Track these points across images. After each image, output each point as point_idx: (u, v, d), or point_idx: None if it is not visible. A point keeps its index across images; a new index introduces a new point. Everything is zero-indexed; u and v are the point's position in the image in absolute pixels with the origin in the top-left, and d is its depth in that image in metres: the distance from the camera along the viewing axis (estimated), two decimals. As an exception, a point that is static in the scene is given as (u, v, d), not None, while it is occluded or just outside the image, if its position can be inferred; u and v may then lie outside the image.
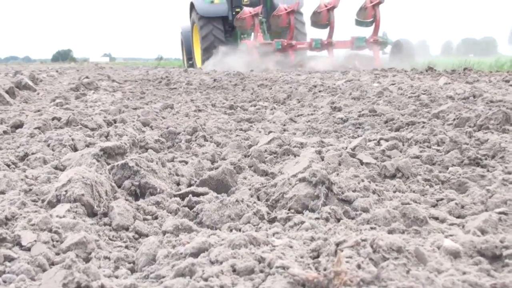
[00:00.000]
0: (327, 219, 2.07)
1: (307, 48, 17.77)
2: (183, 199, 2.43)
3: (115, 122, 4.76)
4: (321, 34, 18.45)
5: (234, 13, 20.74)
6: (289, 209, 2.24)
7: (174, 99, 7.55)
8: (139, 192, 2.49)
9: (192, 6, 21.59)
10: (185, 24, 24.00)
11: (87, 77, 10.36)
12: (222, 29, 20.52)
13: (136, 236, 2.03)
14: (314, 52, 18.28)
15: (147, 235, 2.02)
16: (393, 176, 2.81)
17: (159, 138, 3.82)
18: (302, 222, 2.01)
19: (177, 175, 2.87)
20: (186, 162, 3.23)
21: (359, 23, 18.00)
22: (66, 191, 2.19)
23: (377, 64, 15.58)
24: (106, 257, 1.74)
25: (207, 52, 20.13)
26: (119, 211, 2.13)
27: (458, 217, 2.19)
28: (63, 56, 74.76)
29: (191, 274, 1.47)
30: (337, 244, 1.55)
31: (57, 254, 1.75)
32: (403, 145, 3.55)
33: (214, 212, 2.16)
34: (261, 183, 2.61)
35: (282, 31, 18.61)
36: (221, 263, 1.50)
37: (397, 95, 6.61)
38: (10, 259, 1.65)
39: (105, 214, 2.17)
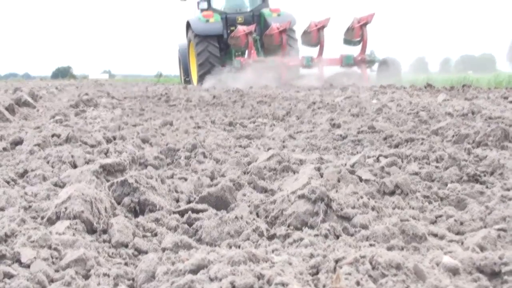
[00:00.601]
0: (326, 236, 2.08)
1: (300, 66, 18.12)
2: (182, 216, 2.43)
3: (114, 139, 4.76)
4: (312, 51, 18.89)
5: (229, 31, 21.02)
6: (288, 226, 2.24)
7: (173, 116, 7.57)
8: (139, 209, 2.49)
9: (188, 25, 21.83)
10: (182, 41, 24.18)
11: (86, 94, 10.39)
12: (217, 47, 20.79)
13: (136, 253, 2.03)
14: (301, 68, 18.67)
15: (146, 252, 2.02)
16: (392, 193, 2.81)
17: (159, 155, 3.83)
18: (302, 239, 2.02)
19: (177, 191, 2.87)
20: (186, 179, 3.23)
21: (347, 42, 18.60)
22: (65, 208, 2.20)
23: (365, 81, 15.91)
24: (105, 274, 1.74)
25: (203, 69, 20.38)
26: (119, 228, 2.13)
27: (457, 233, 2.19)
28: (62, 73, 74.82)
29: (190, 291, 1.47)
30: (336, 261, 1.56)
31: (57, 271, 1.75)
32: (402, 161, 3.55)
33: (214, 228, 2.16)
34: (261, 199, 2.61)
35: (275, 49, 19.00)
36: (220, 280, 1.50)
37: (396, 112, 6.63)
38: (9, 276, 1.65)
39: (105, 231, 2.17)
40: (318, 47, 18.32)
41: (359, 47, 17.98)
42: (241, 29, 18.63)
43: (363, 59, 17.66)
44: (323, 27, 18.02)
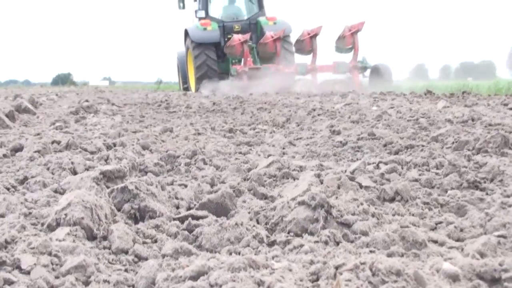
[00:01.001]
0: (326, 242, 2.08)
1: (294, 73, 18.42)
2: (182, 222, 2.43)
3: (114, 146, 4.76)
4: (306, 59, 19.17)
5: (226, 39, 21.29)
6: (288, 232, 2.24)
7: (173, 123, 7.58)
8: (139, 216, 2.49)
9: (186, 33, 22.01)
10: (181, 49, 24.35)
11: (86, 101, 10.40)
12: (214, 54, 20.96)
13: (136, 259, 2.03)
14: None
15: (146, 259, 2.02)
16: (392, 200, 2.81)
17: (159, 162, 3.83)
18: (302, 245, 2.02)
19: (177, 198, 2.87)
20: (186, 186, 3.23)
21: (339, 49, 19.02)
22: (65, 214, 2.20)
23: (357, 87, 16.29)
24: (105, 281, 1.74)
25: (200, 76, 20.55)
26: (119, 234, 2.13)
27: (457, 240, 2.19)
28: (63, 80, 74.75)
29: (190, 297, 1.47)
30: (337, 267, 1.56)
31: (57, 277, 1.75)
32: (402, 168, 3.55)
33: (214, 235, 2.16)
34: (261, 206, 2.61)
35: (270, 57, 19.34)
36: (220, 286, 1.50)
37: (396, 119, 6.63)
38: (9, 282, 1.65)
39: (105, 238, 2.17)
40: (312, 54, 18.57)
41: (351, 54, 18.26)
42: (236, 37, 18.90)
43: (355, 66, 18.00)
44: (315, 35, 18.44)
